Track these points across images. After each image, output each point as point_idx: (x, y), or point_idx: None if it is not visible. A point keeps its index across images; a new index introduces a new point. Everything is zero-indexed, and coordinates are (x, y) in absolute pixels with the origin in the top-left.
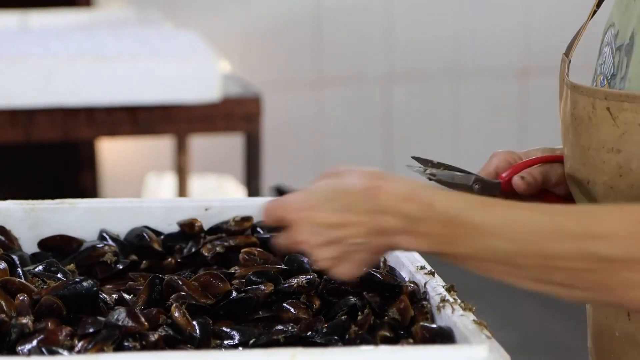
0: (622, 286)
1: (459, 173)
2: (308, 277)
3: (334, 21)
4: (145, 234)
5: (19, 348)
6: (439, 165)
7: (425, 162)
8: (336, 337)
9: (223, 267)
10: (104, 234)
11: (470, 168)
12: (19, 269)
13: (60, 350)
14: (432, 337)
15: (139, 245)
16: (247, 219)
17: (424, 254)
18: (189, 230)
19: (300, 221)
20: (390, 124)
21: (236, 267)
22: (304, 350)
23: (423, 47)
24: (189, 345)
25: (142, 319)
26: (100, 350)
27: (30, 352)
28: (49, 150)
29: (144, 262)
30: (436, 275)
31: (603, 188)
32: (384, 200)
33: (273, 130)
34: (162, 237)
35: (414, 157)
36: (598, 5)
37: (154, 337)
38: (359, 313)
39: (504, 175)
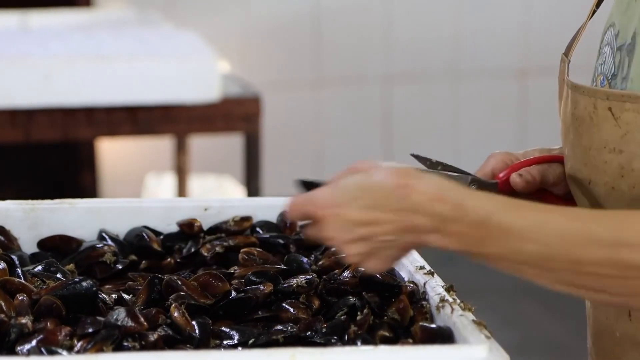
0: None
1: (455, 173)
2: (307, 277)
3: (333, 21)
4: (144, 234)
5: (18, 348)
6: (437, 164)
7: (423, 161)
8: (335, 337)
9: (222, 267)
10: (104, 234)
11: (470, 168)
12: (18, 269)
13: (60, 350)
14: (432, 337)
15: (139, 245)
16: (246, 219)
17: (451, 252)
18: (188, 230)
19: (329, 218)
20: (389, 124)
21: (235, 267)
22: (303, 350)
23: (423, 48)
24: (188, 345)
25: (142, 319)
26: (100, 350)
27: (29, 352)
28: (49, 150)
29: (144, 262)
30: (435, 275)
31: (604, 188)
32: (415, 200)
33: (273, 130)
34: (161, 237)
35: (412, 155)
36: (597, 5)
37: (153, 337)
38: (359, 313)
39: (500, 175)
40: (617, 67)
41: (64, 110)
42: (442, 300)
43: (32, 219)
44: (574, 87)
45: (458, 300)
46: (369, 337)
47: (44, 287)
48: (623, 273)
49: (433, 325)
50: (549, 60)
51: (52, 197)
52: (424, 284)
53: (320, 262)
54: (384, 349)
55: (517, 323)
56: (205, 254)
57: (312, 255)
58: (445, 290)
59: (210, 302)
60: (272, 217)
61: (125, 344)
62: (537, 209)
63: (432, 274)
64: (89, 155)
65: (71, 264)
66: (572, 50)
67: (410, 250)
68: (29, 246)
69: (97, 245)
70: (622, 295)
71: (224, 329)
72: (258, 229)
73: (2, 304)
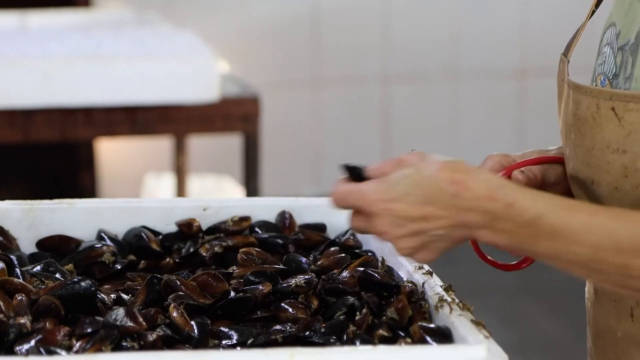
0: None
1: None
2: (306, 277)
3: (332, 22)
4: (143, 234)
5: (17, 348)
6: None
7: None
8: (334, 337)
9: (221, 267)
10: (102, 234)
11: None
12: (17, 269)
13: (59, 350)
14: (430, 337)
15: (137, 245)
16: (245, 219)
17: (501, 247)
18: (187, 230)
19: (381, 213)
20: (388, 125)
21: (234, 267)
22: (302, 350)
23: (421, 48)
24: (187, 345)
25: (140, 319)
26: (99, 350)
27: (28, 352)
28: (48, 151)
29: (142, 262)
30: (434, 275)
31: (608, 189)
32: (467, 197)
33: (271, 130)
34: (160, 237)
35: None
36: (597, 5)
37: (152, 337)
38: (357, 313)
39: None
40: (619, 66)
41: (62, 110)
42: (441, 300)
43: (31, 219)
44: (575, 87)
45: (457, 300)
46: (368, 337)
47: (42, 287)
48: None
49: (432, 325)
50: (548, 61)
51: (51, 197)
52: (423, 283)
53: (319, 262)
54: (382, 349)
55: (516, 323)
56: (204, 254)
57: (311, 255)
58: (444, 290)
59: (209, 302)
60: (271, 217)
61: (124, 344)
62: (588, 211)
63: (430, 273)
64: (88, 156)
65: (70, 264)
66: (571, 51)
67: (460, 242)
68: (27, 246)
69: (96, 245)
70: None
71: (222, 329)
72: (257, 229)
73: (1, 304)
